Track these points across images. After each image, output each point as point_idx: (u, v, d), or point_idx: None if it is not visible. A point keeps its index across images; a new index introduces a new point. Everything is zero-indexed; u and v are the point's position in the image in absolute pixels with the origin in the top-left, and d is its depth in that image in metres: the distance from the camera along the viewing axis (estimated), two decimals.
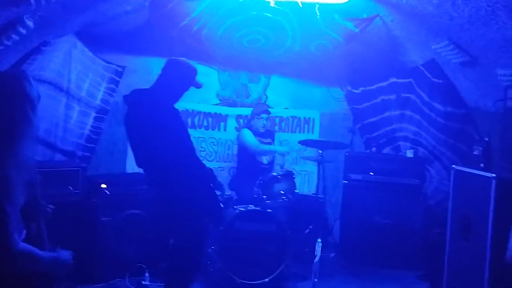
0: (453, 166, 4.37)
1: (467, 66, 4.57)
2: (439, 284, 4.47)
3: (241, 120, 5.78)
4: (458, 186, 4.26)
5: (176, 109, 3.47)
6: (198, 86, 3.65)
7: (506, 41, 3.74)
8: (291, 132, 6.00)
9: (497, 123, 4.19)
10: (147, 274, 4.34)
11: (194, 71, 3.58)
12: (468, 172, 4.14)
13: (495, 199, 3.71)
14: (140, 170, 3.66)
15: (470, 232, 4.02)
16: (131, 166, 5.13)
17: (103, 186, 4.51)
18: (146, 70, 5.35)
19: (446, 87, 5.16)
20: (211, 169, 3.75)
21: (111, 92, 5.33)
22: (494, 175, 3.77)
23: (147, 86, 3.57)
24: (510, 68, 4.05)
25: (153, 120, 3.34)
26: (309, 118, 6.06)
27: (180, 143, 3.37)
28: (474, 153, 4.28)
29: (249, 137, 5.18)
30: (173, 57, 3.59)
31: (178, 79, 3.50)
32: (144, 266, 4.39)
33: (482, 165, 4.09)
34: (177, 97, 3.54)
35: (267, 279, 4.34)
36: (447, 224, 4.35)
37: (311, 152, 5.90)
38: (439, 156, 5.37)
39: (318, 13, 4.69)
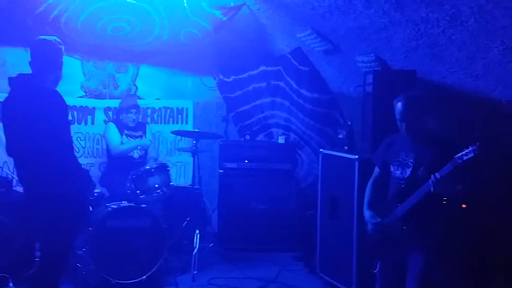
0: (321, 149, 4.58)
1: (330, 53, 4.80)
2: (312, 262, 4.68)
3: (110, 113, 5.51)
4: (326, 168, 4.48)
5: (63, 99, 3.29)
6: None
7: (362, 30, 3.98)
8: (165, 123, 5.85)
9: (358, 107, 4.45)
10: (11, 284, 4.00)
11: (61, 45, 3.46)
12: (334, 154, 4.36)
13: (359, 179, 3.96)
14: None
15: (338, 211, 4.25)
16: None
17: None
18: None
19: (312, 74, 5.38)
20: (87, 170, 3.58)
21: None
22: (357, 156, 4.02)
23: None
24: (367, 55, 4.32)
25: (36, 108, 3.15)
26: (182, 108, 5.96)
27: (58, 137, 3.21)
28: (339, 136, 4.53)
29: (111, 135, 4.96)
30: (40, 37, 3.39)
31: (52, 58, 3.36)
32: (7, 276, 4.03)
33: (346, 147, 4.33)
34: (57, 79, 3.40)
35: (144, 277, 4.20)
36: (318, 205, 4.55)
37: (185, 143, 5.83)
38: (308, 140, 5.60)
39: (185, 1, 4.61)
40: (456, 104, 4.04)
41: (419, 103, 3.09)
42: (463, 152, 2.74)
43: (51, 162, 3.18)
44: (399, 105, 3.08)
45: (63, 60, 3.45)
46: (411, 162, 3.07)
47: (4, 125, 3.42)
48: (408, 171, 3.07)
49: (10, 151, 3.37)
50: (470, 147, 2.73)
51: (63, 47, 3.44)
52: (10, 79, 3.37)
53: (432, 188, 2.86)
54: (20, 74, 3.37)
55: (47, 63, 3.33)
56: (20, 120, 3.20)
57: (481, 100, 3.84)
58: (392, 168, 3.18)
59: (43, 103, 3.20)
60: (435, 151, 2.99)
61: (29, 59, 3.33)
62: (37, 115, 3.16)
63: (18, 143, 3.27)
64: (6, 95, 3.36)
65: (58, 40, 3.43)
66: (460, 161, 2.75)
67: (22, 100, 3.24)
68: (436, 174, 2.84)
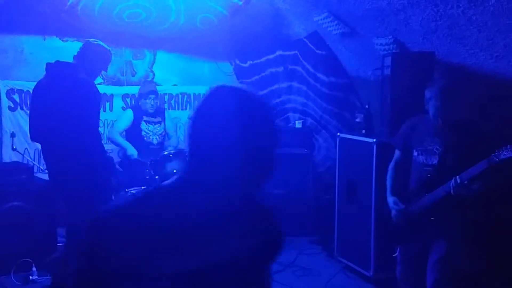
0: (338, 133, 4.56)
1: (347, 37, 4.74)
2: (330, 246, 4.69)
3: (128, 99, 5.55)
4: (343, 152, 4.46)
5: (96, 90, 3.41)
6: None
7: (380, 11, 3.92)
8: (182, 109, 5.89)
9: (376, 91, 4.41)
10: (34, 269, 4.08)
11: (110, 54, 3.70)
12: (352, 138, 4.34)
13: (377, 162, 3.94)
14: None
15: (356, 195, 4.24)
16: (8, 154, 4.76)
17: None
18: (16, 49, 4.92)
19: (328, 58, 5.33)
20: (111, 158, 3.66)
21: None
22: (374, 140, 3.99)
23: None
24: (385, 37, 4.26)
25: (68, 96, 3.26)
26: (199, 94, 5.98)
27: (86, 126, 3.31)
28: (357, 120, 4.49)
29: (120, 120, 5.06)
30: (98, 42, 3.61)
31: (101, 63, 3.59)
32: (30, 260, 4.11)
33: (363, 131, 4.30)
34: (95, 75, 3.61)
35: None
36: (335, 189, 4.55)
37: None
38: (325, 125, 5.58)
39: None
40: (478, 87, 3.97)
41: (453, 85, 2.94)
42: (501, 152, 2.56)
43: (77, 149, 3.25)
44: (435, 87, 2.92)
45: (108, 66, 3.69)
46: (436, 149, 2.93)
47: (31, 109, 3.49)
48: (435, 158, 2.93)
49: (34, 136, 3.43)
50: (509, 146, 2.54)
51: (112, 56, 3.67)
52: (47, 64, 3.47)
53: (452, 191, 2.76)
54: (58, 61, 3.46)
55: (92, 64, 3.50)
56: (50, 106, 3.28)
57: (502, 81, 3.77)
58: (415, 153, 3.06)
59: (76, 92, 3.28)
60: (465, 140, 2.84)
61: (75, 53, 3.49)
62: (68, 103, 3.25)
63: (44, 129, 3.33)
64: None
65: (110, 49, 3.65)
66: (497, 160, 2.57)
67: (55, 86, 3.33)
68: (457, 177, 2.73)
